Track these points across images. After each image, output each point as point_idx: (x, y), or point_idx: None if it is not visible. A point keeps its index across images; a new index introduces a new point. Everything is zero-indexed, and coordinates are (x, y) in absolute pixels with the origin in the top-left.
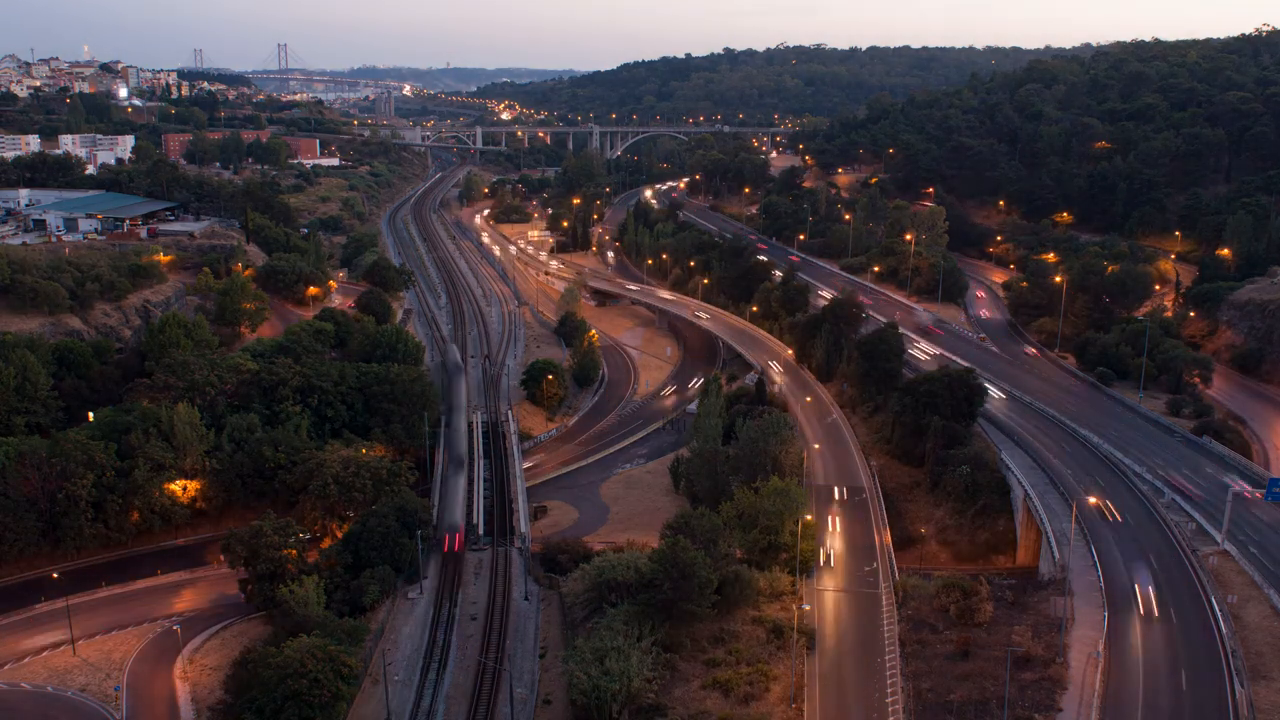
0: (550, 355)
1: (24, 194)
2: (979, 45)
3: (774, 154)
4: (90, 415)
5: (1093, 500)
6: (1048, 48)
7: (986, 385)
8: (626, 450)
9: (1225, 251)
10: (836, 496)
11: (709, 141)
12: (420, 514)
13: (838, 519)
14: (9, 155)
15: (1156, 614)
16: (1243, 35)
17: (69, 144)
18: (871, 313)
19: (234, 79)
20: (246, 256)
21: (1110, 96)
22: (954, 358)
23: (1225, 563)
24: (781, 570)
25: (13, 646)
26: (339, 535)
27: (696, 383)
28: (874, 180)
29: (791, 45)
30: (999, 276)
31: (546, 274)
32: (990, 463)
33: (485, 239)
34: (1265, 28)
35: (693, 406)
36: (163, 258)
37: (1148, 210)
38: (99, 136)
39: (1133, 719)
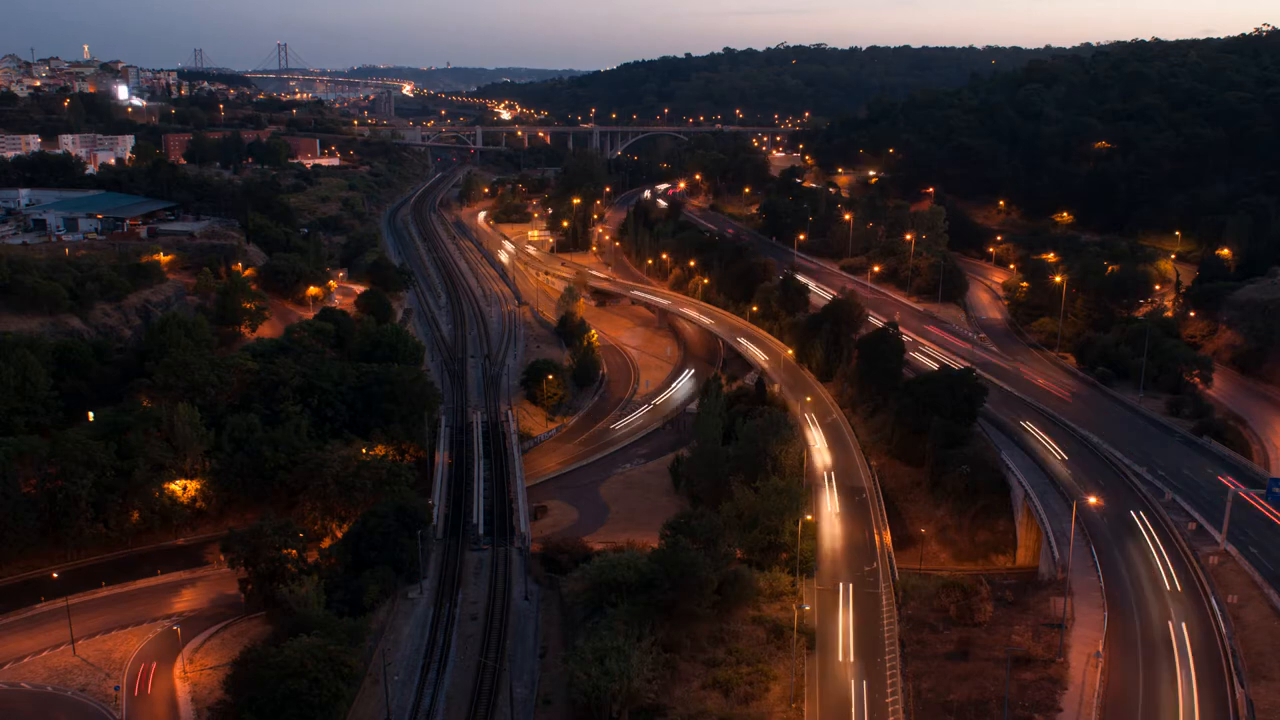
0: (550, 355)
1: (24, 194)
2: (979, 45)
3: (774, 154)
4: (90, 415)
5: (1093, 500)
6: (1048, 48)
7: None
8: (626, 450)
9: (1225, 251)
10: (836, 496)
11: (709, 141)
12: (420, 514)
13: (838, 519)
14: (9, 155)
15: (1156, 614)
16: (1243, 35)
17: (69, 144)
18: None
19: (234, 79)
20: (246, 256)
21: (1110, 96)
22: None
23: (1225, 563)
24: (781, 570)
25: (13, 646)
26: (339, 535)
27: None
28: (874, 180)
29: (791, 45)
30: (999, 276)
31: (546, 274)
32: (990, 463)
33: (485, 239)
34: (1265, 28)
35: (693, 406)
36: (163, 258)
37: (1148, 210)
38: (99, 136)
39: (1133, 719)
